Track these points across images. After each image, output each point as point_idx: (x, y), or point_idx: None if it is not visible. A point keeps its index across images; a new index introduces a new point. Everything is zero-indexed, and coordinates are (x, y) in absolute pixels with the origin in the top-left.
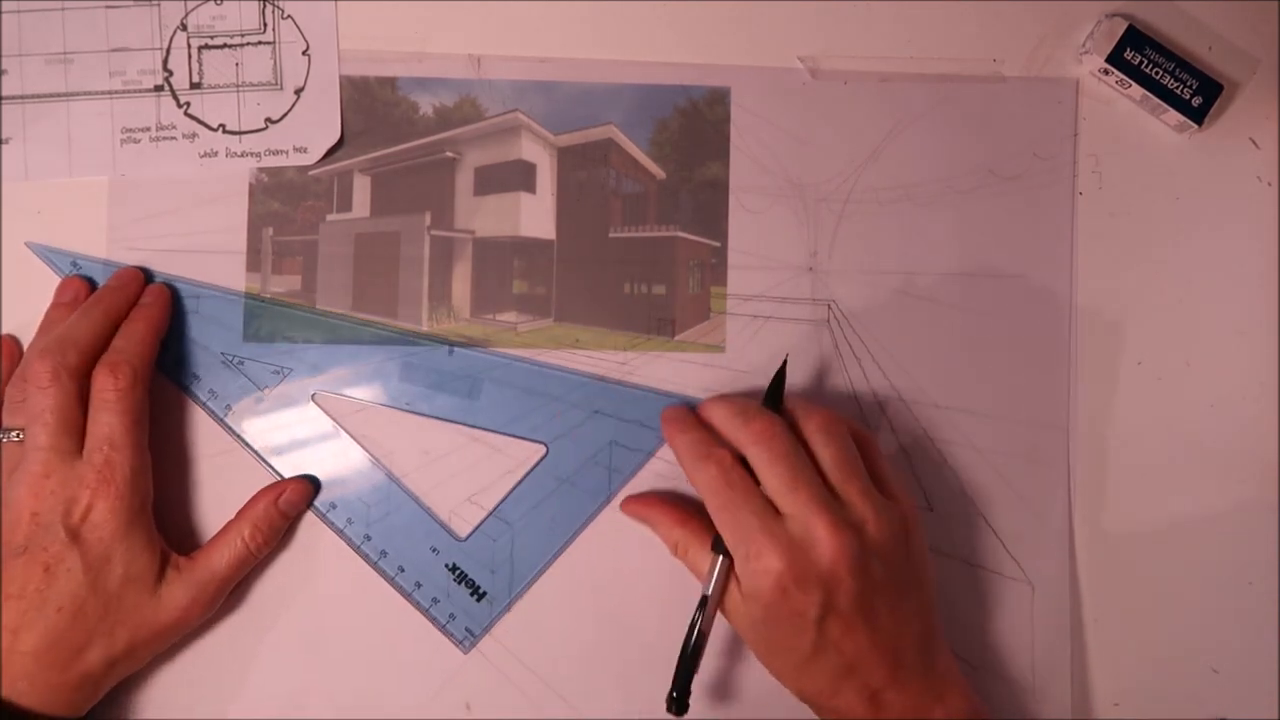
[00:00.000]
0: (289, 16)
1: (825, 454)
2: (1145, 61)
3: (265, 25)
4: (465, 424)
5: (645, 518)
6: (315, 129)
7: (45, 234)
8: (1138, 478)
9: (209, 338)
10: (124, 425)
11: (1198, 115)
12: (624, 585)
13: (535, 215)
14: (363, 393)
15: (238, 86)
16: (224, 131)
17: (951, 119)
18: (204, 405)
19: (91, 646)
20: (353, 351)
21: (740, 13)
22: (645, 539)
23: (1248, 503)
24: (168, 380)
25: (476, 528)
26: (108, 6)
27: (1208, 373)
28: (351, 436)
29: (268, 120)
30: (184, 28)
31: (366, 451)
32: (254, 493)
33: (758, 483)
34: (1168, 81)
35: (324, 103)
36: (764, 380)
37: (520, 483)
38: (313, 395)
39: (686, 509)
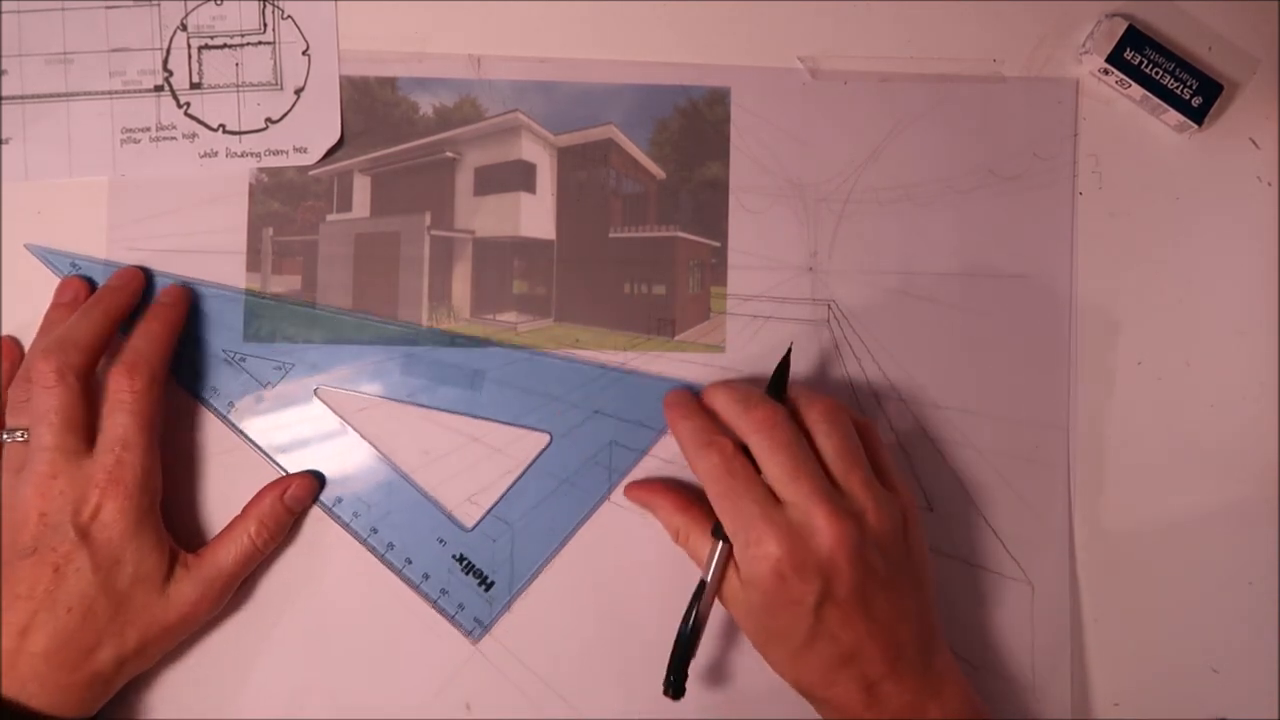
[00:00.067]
0: (289, 16)
1: (827, 444)
2: (1145, 61)
3: (265, 25)
4: (468, 414)
5: (647, 503)
6: (315, 129)
7: (45, 234)
8: (1137, 477)
9: (210, 335)
10: (137, 426)
11: (1198, 115)
12: (624, 584)
13: (535, 215)
14: (365, 387)
15: (238, 86)
16: (224, 131)
17: (951, 119)
18: (206, 403)
19: (101, 646)
20: (355, 351)
21: (740, 13)
22: (645, 539)
23: (1248, 503)
24: (169, 378)
25: (478, 523)
26: (108, 6)
27: (1208, 373)
28: (356, 430)
29: (268, 120)
30: (184, 28)
31: (371, 445)
32: (259, 489)
33: (759, 471)
34: (1168, 81)
35: (324, 103)
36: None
37: (523, 474)
38: (315, 390)
39: (688, 496)
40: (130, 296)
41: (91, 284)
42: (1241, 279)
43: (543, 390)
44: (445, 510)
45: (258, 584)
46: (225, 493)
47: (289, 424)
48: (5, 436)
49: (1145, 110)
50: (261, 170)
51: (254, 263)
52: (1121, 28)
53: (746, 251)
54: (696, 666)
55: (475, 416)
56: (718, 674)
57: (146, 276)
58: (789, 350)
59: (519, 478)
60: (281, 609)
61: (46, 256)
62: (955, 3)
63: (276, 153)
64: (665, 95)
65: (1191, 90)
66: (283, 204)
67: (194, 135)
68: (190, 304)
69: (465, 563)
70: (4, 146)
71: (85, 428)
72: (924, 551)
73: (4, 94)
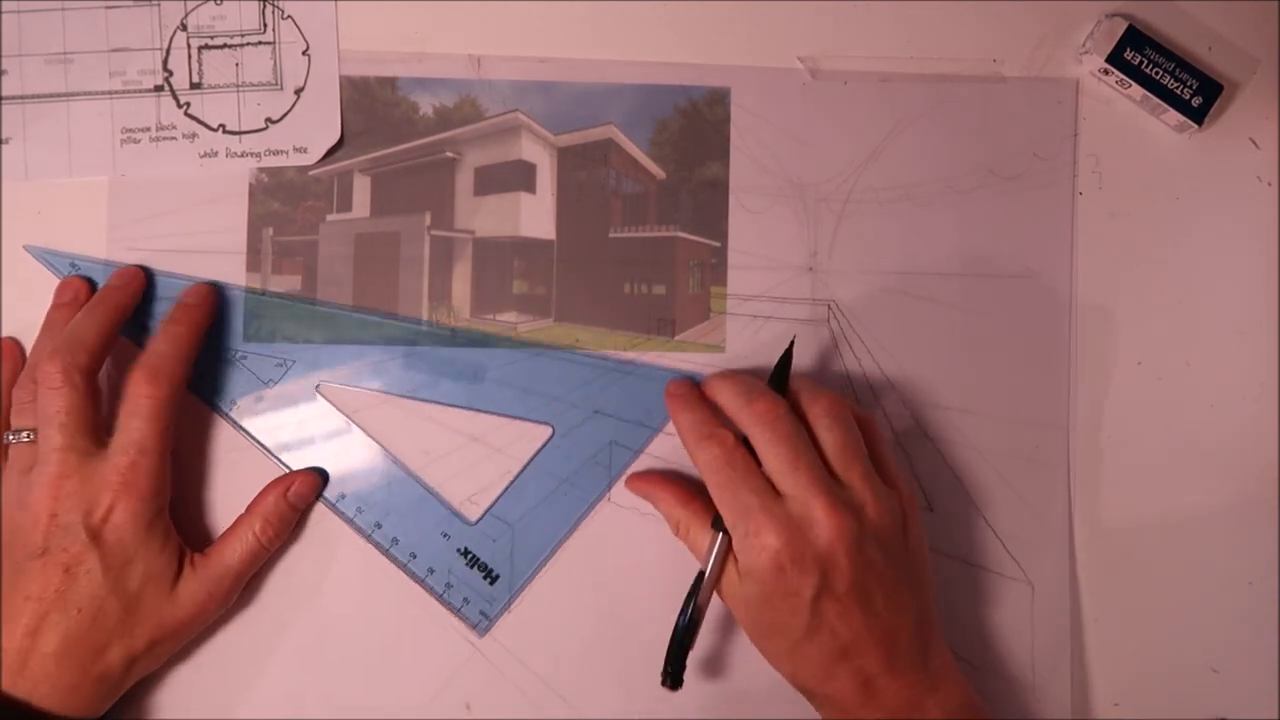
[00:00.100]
0: (289, 16)
1: (829, 438)
2: (1145, 61)
3: (265, 25)
4: (470, 408)
5: (648, 495)
6: (315, 129)
7: (45, 234)
8: (1137, 477)
9: (210, 334)
10: (155, 432)
11: (1198, 115)
12: (624, 584)
13: (535, 215)
14: (367, 382)
15: (238, 86)
16: (224, 131)
17: (951, 119)
18: (207, 402)
19: (111, 647)
20: (355, 351)
21: (740, 13)
22: (645, 538)
23: (1248, 503)
24: None
25: (481, 518)
26: (108, 6)
27: (1208, 373)
28: (358, 426)
29: (268, 120)
30: (184, 28)
31: (374, 440)
32: (262, 487)
33: (759, 463)
34: (1168, 81)
35: (324, 103)
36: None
37: (525, 468)
38: (317, 387)
39: (689, 489)
40: (132, 296)
41: (92, 284)
42: (1241, 279)
43: (543, 390)
44: (449, 504)
45: (263, 583)
46: (228, 491)
47: (291, 421)
48: (10, 438)
49: (1145, 110)
50: (261, 170)
51: (254, 263)
52: (1121, 28)
53: (746, 251)
54: (694, 661)
55: (477, 410)
56: (716, 668)
57: (147, 276)
58: (792, 343)
59: (520, 473)
60: (286, 609)
61: (45, 257)
62: (955, 3)
63: (276, 153)
64: (665, 95)
65: (1191, 90)
66: (283, 204)
67: (194, 135)
68: (216, 303)
69: (470, 556)
70: (4, 146)
71: (95, 428)
72: (923, 547)
73: (4, 94)
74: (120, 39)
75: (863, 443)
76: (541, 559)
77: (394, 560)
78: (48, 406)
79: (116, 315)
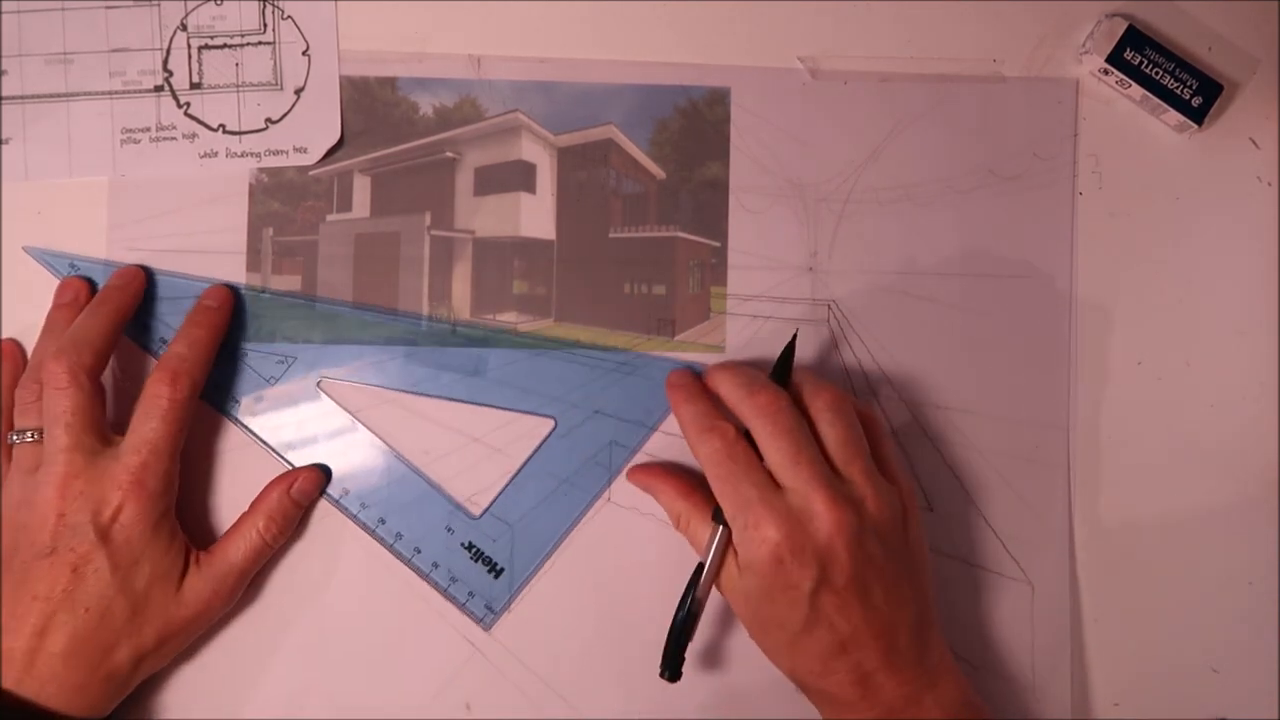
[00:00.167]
0: (289, 17)
1: (830, 432)
2: (1145, 61)
3: (265, 25)
4: (471, 402)
5: (649, 487)
6: (315, 129)
7: (45, 235)
8: (1137, 477)
9: None
10: (168, 433)
11: (1198, 115)
12: (624, 584)
13: (535, 215)
14: (368, 378)
15: (238, 87)
16: (224, 132)
17: (951, 119)
18: (209, 400)
19: (119, 646)
20: (356, 351)
21: (740, 13)
22: (645, 538)
23: (1248, 502)
24: None
25: (485, 511)
26: (108, 6)
27: (1208, 373)
28: (360, 422)
29: (268, 120)
30: (184, 28)
31: (376, 436)
32: (265, 484)
33: (760, 456)
34: (1168, 81)
35: (324, 103)
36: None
37: (527, 462)
38: (318, 383)
39: (690, 481)
40: (134, 296)
41: (92, 284)
42: (1241, 279)
43: (543, 390)
44: (453, 498)
45: (267, 580)
46: (232, 489)
47: (293, 419)
48: (14, 438)
49: (1145, 110)
50: (261, 170)
51: (254, 263)
52: (1121, 28)
53: (746, 251)
54: (693, 656)
55: (479, 404)
56: (715, 662)
57: (147, 275)
58: (794, 336)
59: (522, 466)
60: (290, 606)
61: (45, 258)
62: (955, 3)
63: (276, 153)
64: (665, 95)
65: (1191, 90)
66: (283, 204)
67: (194, 135)
68: (234, 306)
69: (474, 550)
70: (4, 146)
71: (100, 427)
72: (923, 543)
73: (4, 94)
74: (120, 39)
75: (864, 437)
76: (542, 558)
77: (398, 556)
78: (54, 406)
79: (119, 315)
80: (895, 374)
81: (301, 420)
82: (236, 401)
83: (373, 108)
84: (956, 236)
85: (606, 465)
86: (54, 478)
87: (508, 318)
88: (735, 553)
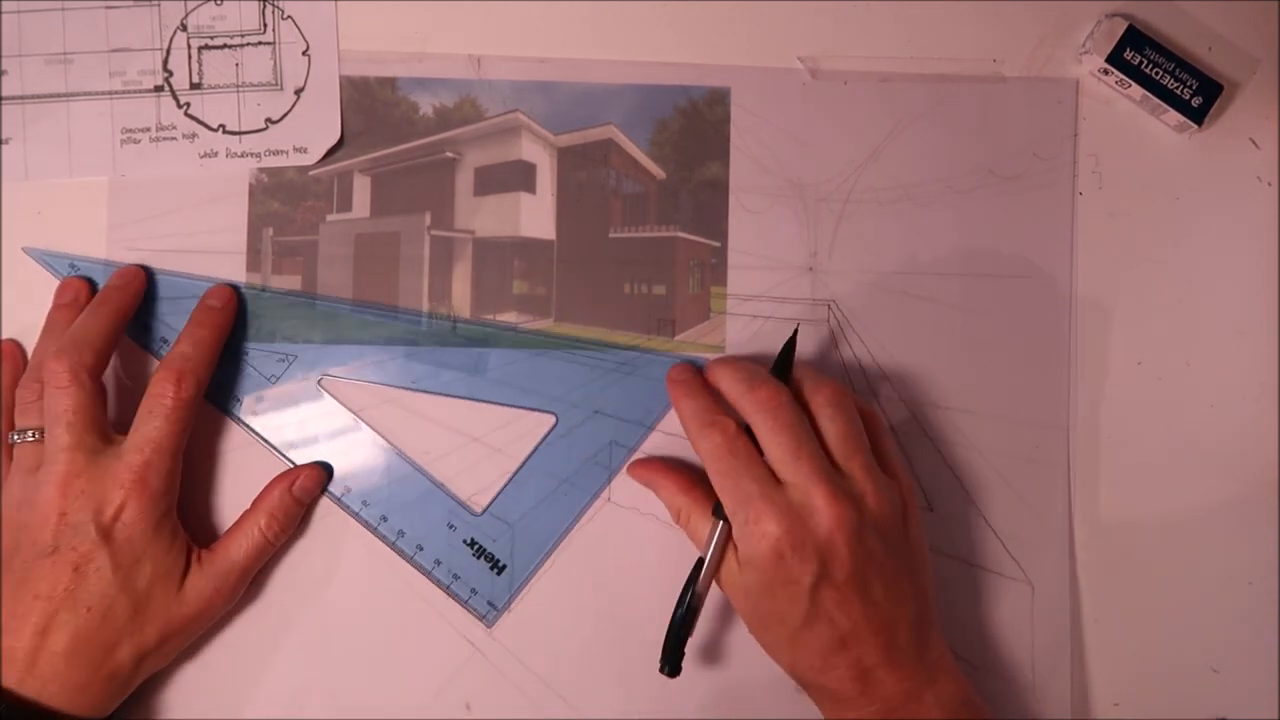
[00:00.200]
0: (289, 17)
1: (831, 428)
2: (1145, 61)
3: (265, 25)
4: (472, 399)
5: (650, 482)
6: (315, 129)
7: (45, 235)
8: (1137, 477)
9: None
10: (172, 432)
11: (1198, 115)
12: (624, 584)
13: (535, 215)
14: (369, 377)
15: (238, 87)
16: (224, 132)
17: (951, 119)
18: (210, 399)
19: (121, 645)
20: (356, 351)
21: (740, 13)
22: (645, 538)
23: (1248, 502)
24: None
25: (487, 508)
26: (108, 6)
27: (1208, 373)
28: (361, 419)
29: (268, 120)
30: (184, 28)
31: (377, 433)
32: (266, 482)
33: (761, 451)
34: (1168, 81)
35: (324, 103)
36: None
37: (528, 459)
38: (319, 382)
39: (691, 476)
40: (134, 295)
41: (92, 284)
42: (1241, 279)
43: (543, 390)
44: (455, 496)
45: (269, 578)
46: (233, 487)
47: (294, 418)
48: (15, 438)
49: (1145, 110)
50: (261, 170)
51: (254, 263)
52: (1121, 28)
53: (746, 251)
54: (693, 652)
55: (479, 400)
56: (715, 658)
57: (147, 275)
58: (795, 331)
59: (522, 464)
60: (292, 604)
61: (45, 258)
62: (955, 3)
63: (276, 153)
64: (665, 95)
65: (1191, 90)
66: (283, 204)
67: (194, 135)
68: (238, 307)
69: (476, 547)
70: (4, 146)
71: (102, 427)
72: (922, 540)
73: (4, 94)
74: (120, 39)
75: (864, 433)
76: (542, 557)
77: (400, 553)
78: (55, 406)
79: (120, 315)
80: (895, 374)
81: (302, 419)
82: (238, 401)
83: (373, 108)
84: (956, 236)
85: (606, 465)
86: (55, 477)
87: (508, 318)
88: (735, 548)
